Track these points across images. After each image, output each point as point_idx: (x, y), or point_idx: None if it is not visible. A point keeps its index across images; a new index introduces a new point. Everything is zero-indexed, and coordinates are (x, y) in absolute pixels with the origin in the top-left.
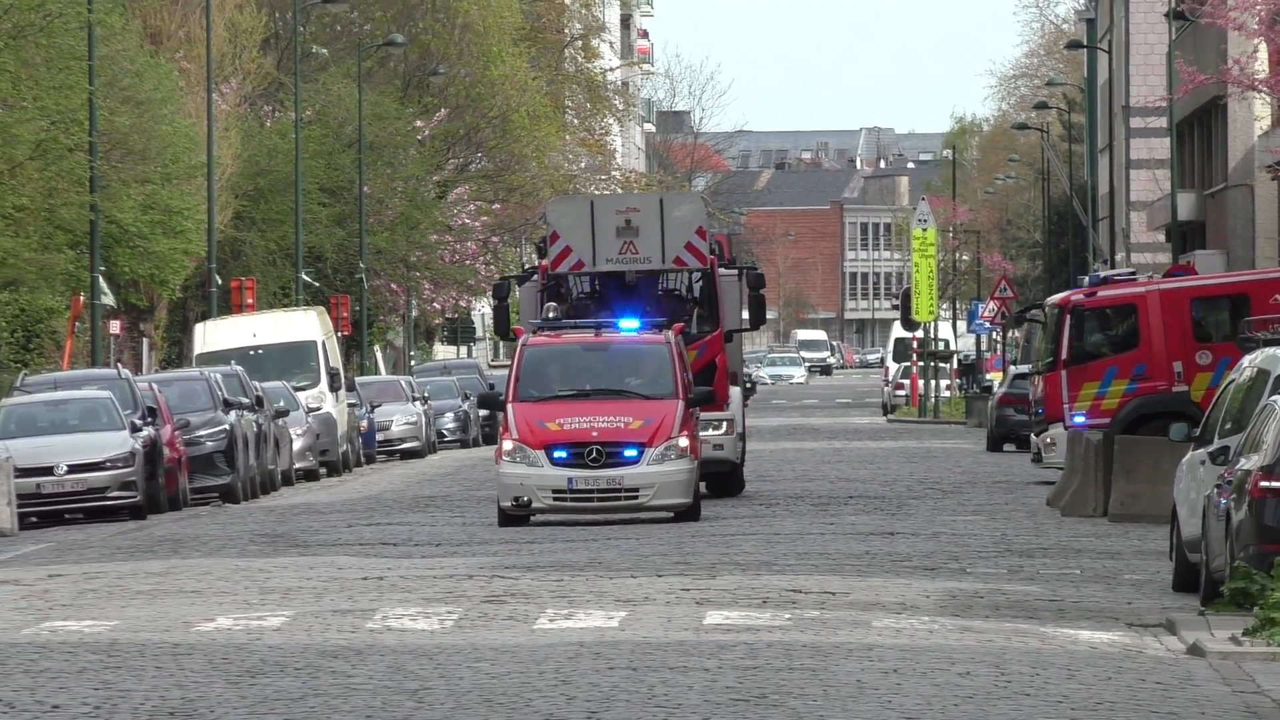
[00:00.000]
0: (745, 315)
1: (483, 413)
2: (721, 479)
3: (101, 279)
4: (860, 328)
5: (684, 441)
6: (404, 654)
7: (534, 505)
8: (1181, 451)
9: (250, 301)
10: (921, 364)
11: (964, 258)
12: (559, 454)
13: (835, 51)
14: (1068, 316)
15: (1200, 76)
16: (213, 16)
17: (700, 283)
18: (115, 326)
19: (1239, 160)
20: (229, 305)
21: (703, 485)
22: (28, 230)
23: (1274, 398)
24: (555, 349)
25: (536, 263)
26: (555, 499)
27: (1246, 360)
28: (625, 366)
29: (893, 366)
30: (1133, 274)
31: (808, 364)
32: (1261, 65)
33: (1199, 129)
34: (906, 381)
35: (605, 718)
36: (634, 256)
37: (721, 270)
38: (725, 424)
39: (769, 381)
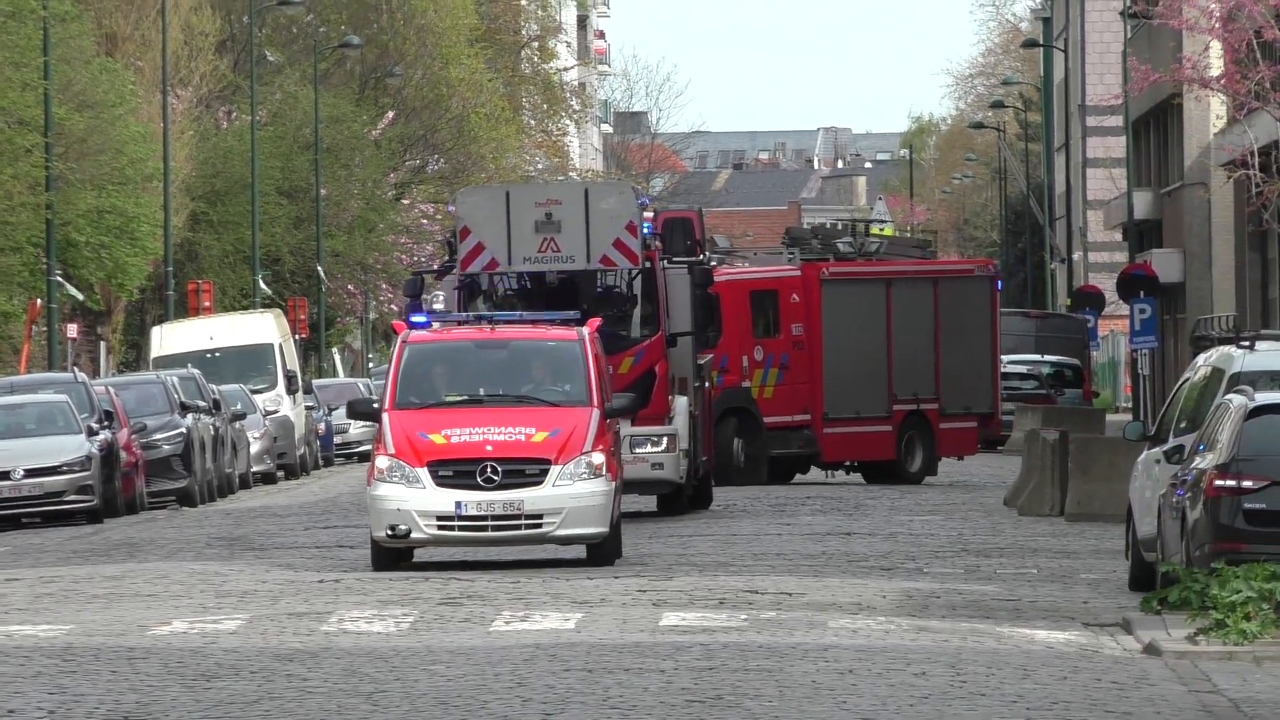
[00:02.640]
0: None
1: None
2: (668, 500)
3: (63, 279)
4: None
5: (599, 458)
6: (360, 657)
7: (413, 535)
8: (1137, 451)
9: (207, 304)
10: None
11: None
12: (444, 472)
13: (792, 52)
14: None
15: (1154, 74)
16: (168, 19)
17: (639, 279)
18: (72, 330)
19: (1195, 158)
20: (186, 308)
21: (653, 502)
22: None
23: (1228, 396)
24: (442, 346)
25: (443, 259)
26: (440, 527)
27: (1201, 359)
28: (528, 368)
29: None
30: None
31: None
32: (1216, 63)
33: (1155, 127)
34: None
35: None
36: (555, 255)
37: (669, 264)
38: (666, 439)
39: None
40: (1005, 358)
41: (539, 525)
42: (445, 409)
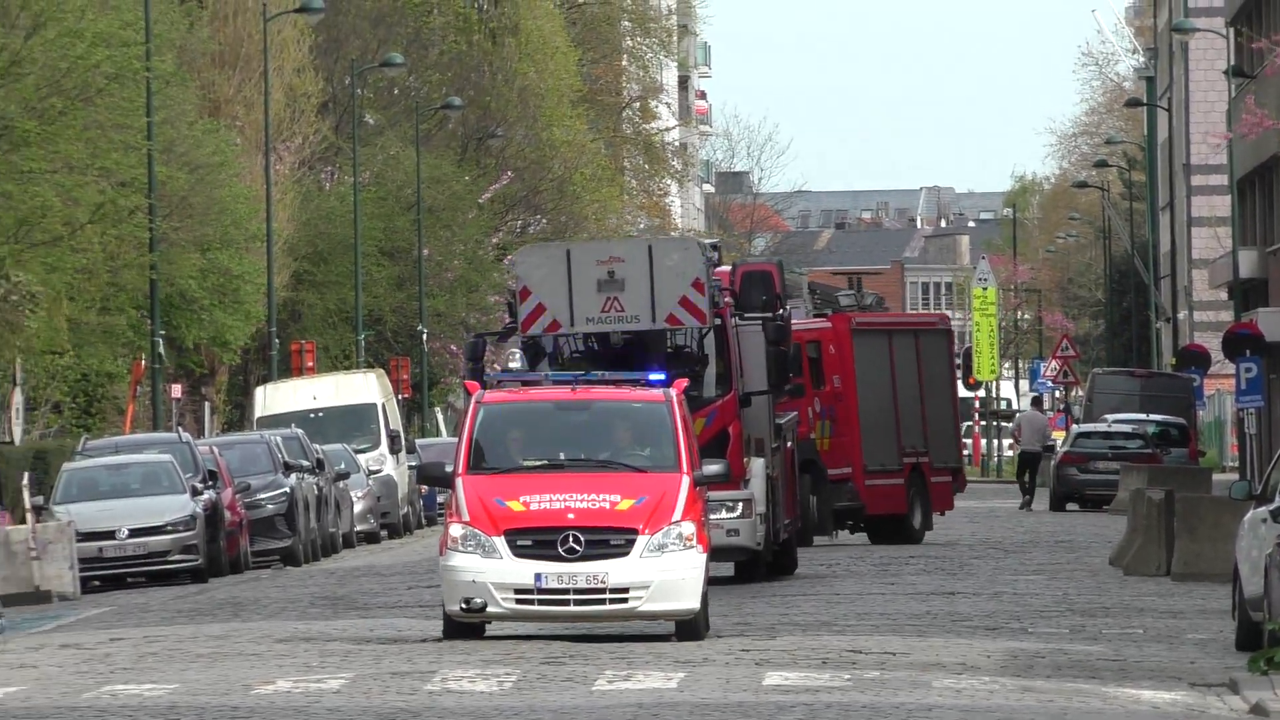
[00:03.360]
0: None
1: None
2: (746, 568)
3: (162, 344)
4: None
5: (689, 528)
6: (463, 716)
7: (489, 609)
8: (1244, 510)
9: (310, 364)
10: (983, 423)
11: (1025, 316)
12: (523, 542)
13: (894, 111)
14: None
15: (1266, 119)
16: (270, 81)
17: (709, 337)
18: (176, 390)
19: None
20: (289, 368)
21: (731, 568)
22: (89, 293)
23: None
24: (520, 408)
25: (506, 322)
26: (518, 600)
27: None
28: (612, 431)
29: None
30: None
31: None
32: None
33: (1260, 186)
34: (969, 440)
35: None
36: (619, 315)
37: (742, 320)
38: (741, 504)
39: None
40: (1110, 416)
41: (624, 600)
42: (523, 474)
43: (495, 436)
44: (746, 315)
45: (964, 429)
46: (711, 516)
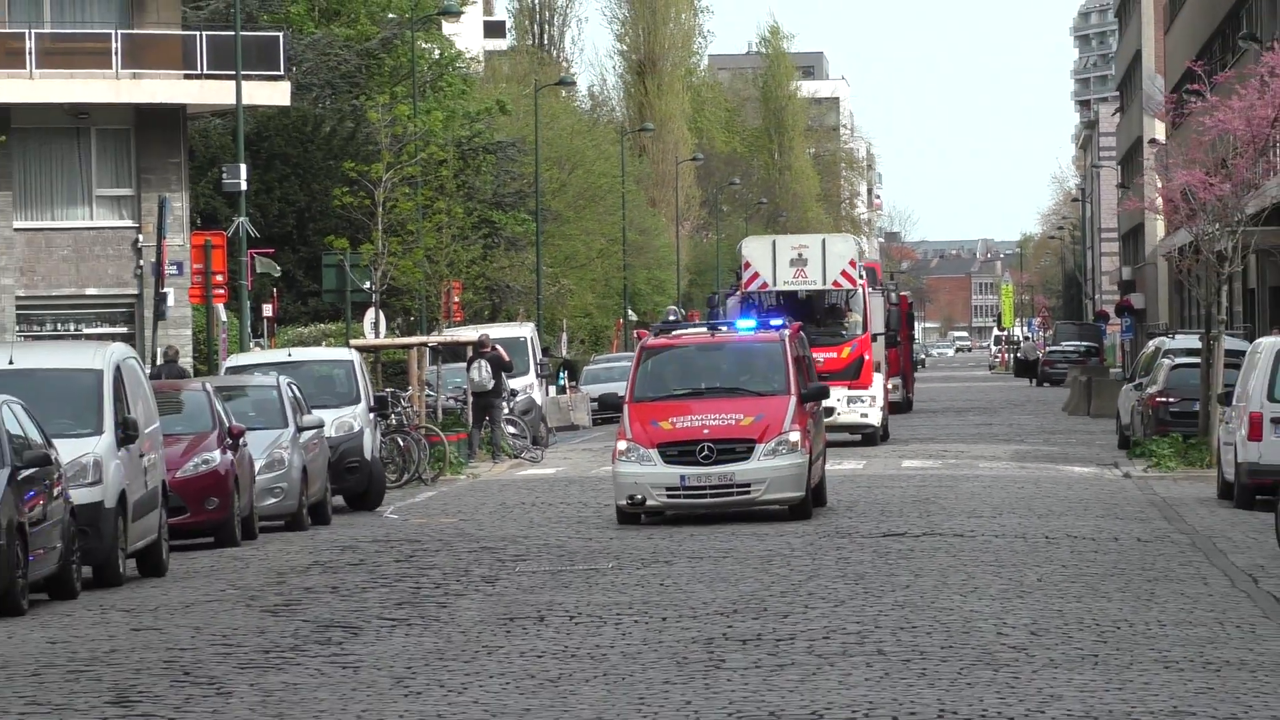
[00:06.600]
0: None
1: None
2: (869, 437)
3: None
4: (981, 331)
5: (795, 436)
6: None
7: (648, 503)
8: (1121, 385)
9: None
10: (1006, 346)
11: (1026, 298)
12: (671, 452)
13: (969, 192)
14: None
15: (1134, 202)
16: (680, 212)
17: (855, 297)
18: None
19: None
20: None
21: (859, 437)
22: (595, 289)
23: None
24: (672, 351)
25: (734, 283)
26: (669, 496)
27: None
28: (739, 365)
29: (993, 348)
30: None
31: (955, 347)
32: None
33: (1133, 237)
34: (998, 355)
35: None
36: (803, 280)
37: (870, 290)
38: (869, 399)
39: (934, 355)
40: (1063, 343)
41: (748, 492)
42: (672, 400)
43: (654, 372)
44: (870, 288)
45: (996, 351)
46: (852, 405)
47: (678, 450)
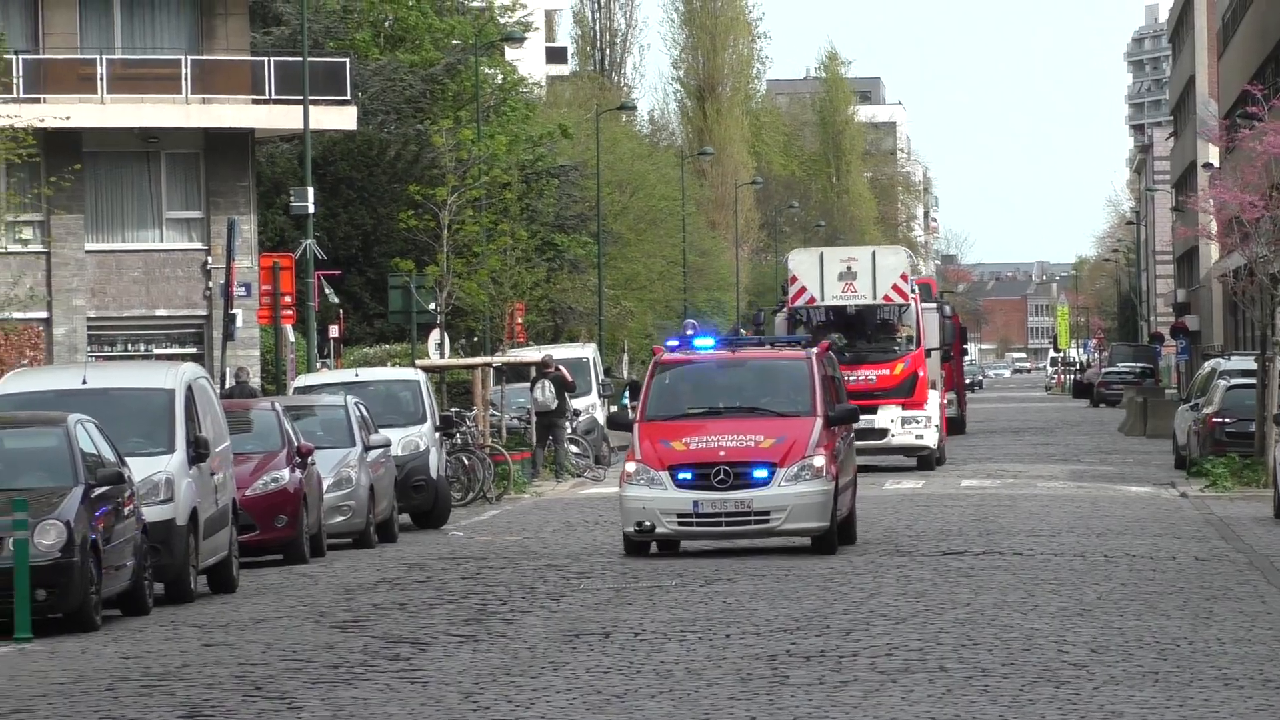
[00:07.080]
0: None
1: None
2: (925, 460)
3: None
4: (1036, 352)
5: (819, 460)
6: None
7: (658, 530)
8: (1177, 406)
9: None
10: (1062, 367)
11: (1082, 320)
12: (683, 475)
13: (1028, 216)
14: None
15: (1186, 230)
16: (741, 236)
17: (906, 312)
18: None
19: None
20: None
21: (913, 461)
22: (656, 308)
23: None
24: (687, 367)
25: (779, 299)
26: (680, 523)
27: None
28: (760, 383)
29: (1049, 369)
30: None
31: (1013, 368)
32: None
33: (1187, 261)
34: (1055, 376)
35: None
36: (853, 295)
37: (925, 305)
38: (924, 419)
39: (990, 376)
40: (1119, 364)
41: (766, 520)
42: (686, 420)
43: (667, 389)
44: (924, 303)
45: (1054, 371)
46: (906, 426)
47: (691, 473)
